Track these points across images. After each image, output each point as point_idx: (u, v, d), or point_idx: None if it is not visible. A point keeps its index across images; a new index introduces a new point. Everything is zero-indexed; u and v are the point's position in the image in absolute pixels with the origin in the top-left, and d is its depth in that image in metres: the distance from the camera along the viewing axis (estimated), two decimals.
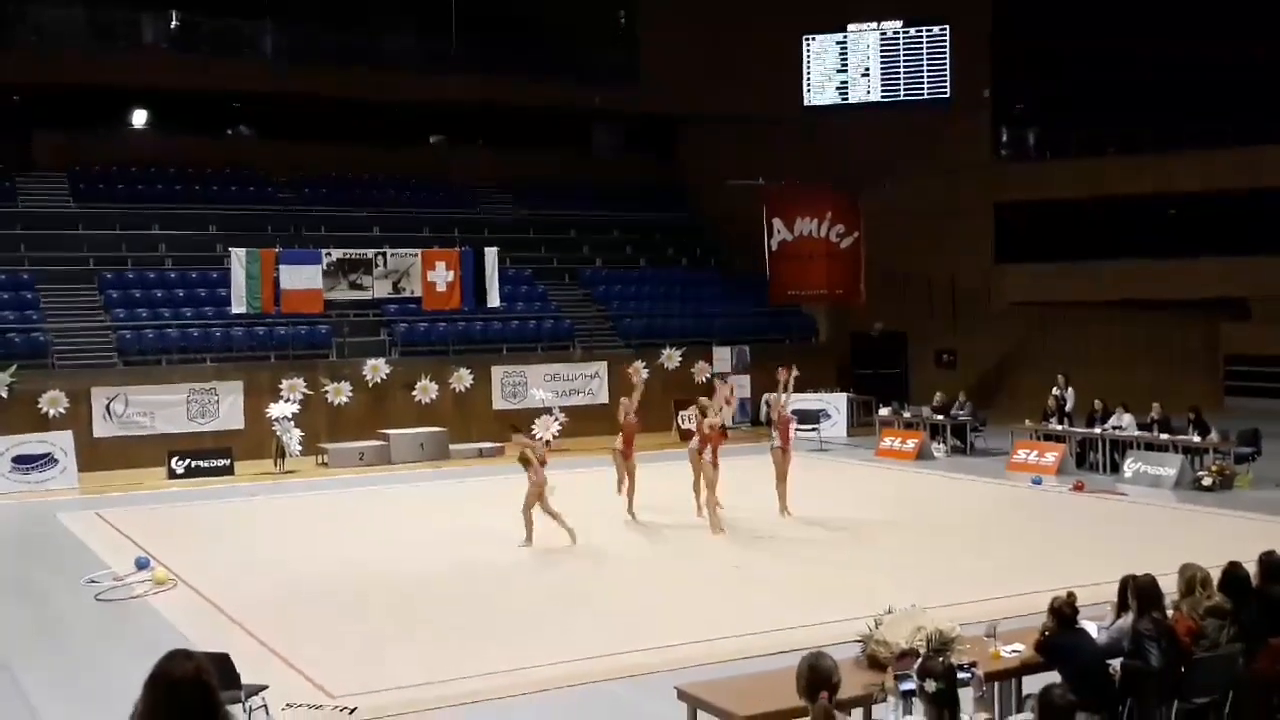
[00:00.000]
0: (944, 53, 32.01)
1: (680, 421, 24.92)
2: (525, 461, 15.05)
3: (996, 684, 7.78)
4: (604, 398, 26.57)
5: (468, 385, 25.83)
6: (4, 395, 22.20)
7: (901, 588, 11.17)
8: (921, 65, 32.20)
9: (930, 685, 6.25)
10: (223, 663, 7.69)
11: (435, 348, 26.64)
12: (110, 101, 30.78)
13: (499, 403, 26.19)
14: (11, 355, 22.87)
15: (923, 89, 32.15)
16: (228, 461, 22.28)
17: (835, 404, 26.79)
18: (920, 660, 6.79)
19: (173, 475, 21.75)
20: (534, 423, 15.20)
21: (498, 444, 24.16)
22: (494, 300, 26.05)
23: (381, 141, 32.23)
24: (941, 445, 23.61)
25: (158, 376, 23.77)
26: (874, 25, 32.43)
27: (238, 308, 24.19)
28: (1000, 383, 30.14)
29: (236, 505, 19.40)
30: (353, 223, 29.18)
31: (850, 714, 6.45)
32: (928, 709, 6.22)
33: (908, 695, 6.42)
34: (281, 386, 23.90)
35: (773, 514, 16.77)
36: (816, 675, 5.56)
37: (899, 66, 32.34)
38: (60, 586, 13.75)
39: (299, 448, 22.86)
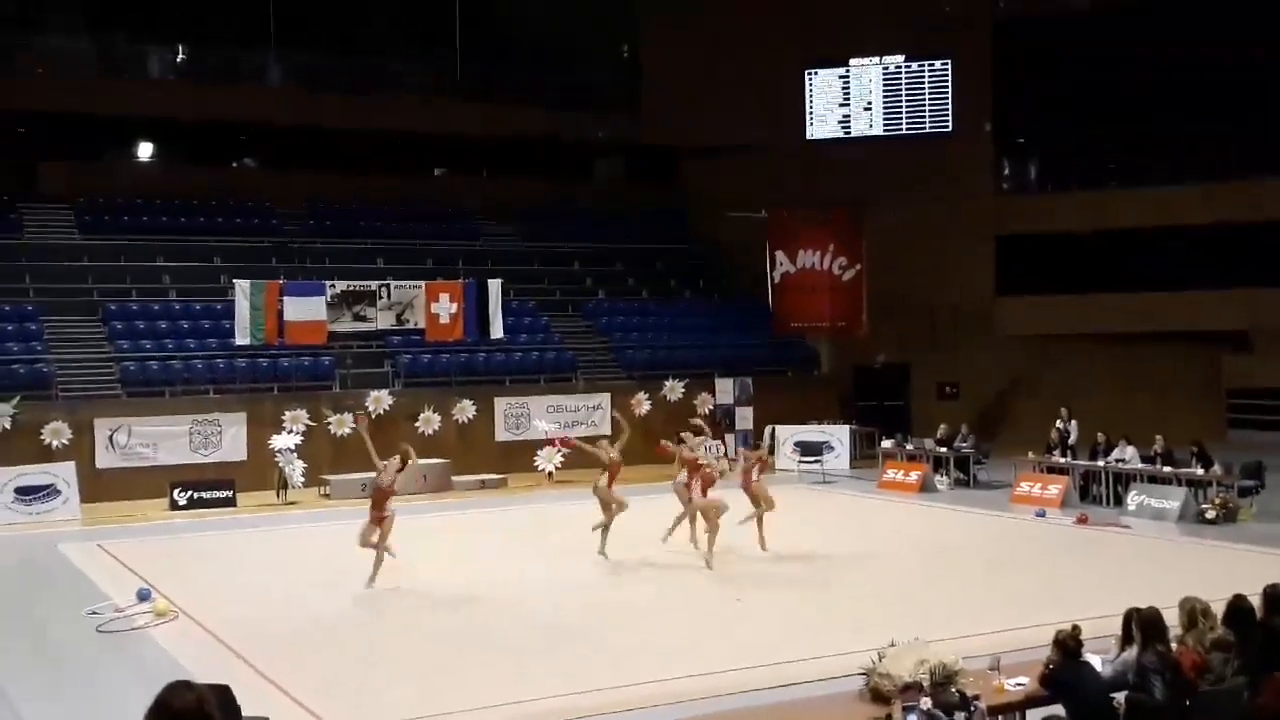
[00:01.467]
0: (946, 87, 32.17)
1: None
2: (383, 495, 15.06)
3: (1000, 717, 7.75)
4: (606, 429, 26.49)
5: (470, 416, 25.81)
6: (7, 426, 22.18)
7: (904, 620, 11.13)
8: (923, 99, 32.34)
9: (943, 718, 6.23)
10: (223, 694, 7.66)
11: (438, 379, 26.63)
12: (115, 132, 30.97)
13: (501, 434, 26.16)
14: (15, 386, 22.85)
15: (924, 123, 32.29)
16: (230, 493, 22.23)
17: (838, 436, 26.75)
18: (932, 693, 6.77)
19: (175, 506, 21.71)
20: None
21: (500, 475, 24.14)
22: (497, 332, 26.06)
23: (385, 172, 32.36)
24: (944, 478, 23.55)
25: (161, 408, 23.76)
26: (876, 60, 32.58)
27: (241, 339, 24.22)
28: (1003, 414, 30.12)
29: (238, 537, 19.35)
30: (357, 254, 29.25)
31: None
32: None
33: None
34: (284, 418, 23.88)
35: (774, 546, 16.62)
36: None
37: (901, 100, 32.49)
38: (61, 617, 13.70)
39: (301, 479, 22.85)
